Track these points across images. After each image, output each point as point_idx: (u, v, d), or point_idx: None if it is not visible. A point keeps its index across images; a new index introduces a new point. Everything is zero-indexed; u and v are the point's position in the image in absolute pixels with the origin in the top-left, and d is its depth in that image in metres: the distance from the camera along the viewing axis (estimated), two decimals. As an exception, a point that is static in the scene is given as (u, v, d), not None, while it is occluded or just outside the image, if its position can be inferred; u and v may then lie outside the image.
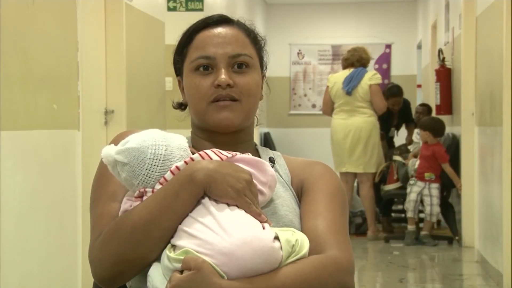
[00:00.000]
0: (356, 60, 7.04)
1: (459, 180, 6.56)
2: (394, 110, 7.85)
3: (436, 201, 6.63)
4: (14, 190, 3.29)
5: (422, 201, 6.73)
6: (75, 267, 3.90)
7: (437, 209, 6.65)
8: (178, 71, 1.66)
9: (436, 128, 6.77)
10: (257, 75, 1.62)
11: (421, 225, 6.96)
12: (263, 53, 1.67)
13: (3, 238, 3.16)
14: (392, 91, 7.83)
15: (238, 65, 1.59)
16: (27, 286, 3.41)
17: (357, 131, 6.92)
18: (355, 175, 7.09)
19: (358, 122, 6.93)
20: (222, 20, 1.63)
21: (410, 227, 6.79)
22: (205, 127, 1.62)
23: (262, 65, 1.66)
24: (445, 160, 6.60)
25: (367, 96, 6.90)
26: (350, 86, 6.92)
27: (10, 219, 3.23)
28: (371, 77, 6.93)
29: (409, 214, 6.74)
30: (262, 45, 1.67)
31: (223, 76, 1.56)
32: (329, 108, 7.16)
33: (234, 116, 1.58)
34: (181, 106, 1.70)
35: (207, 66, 1.58)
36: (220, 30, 1.61)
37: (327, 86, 7.16)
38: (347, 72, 7.04)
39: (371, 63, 11.92)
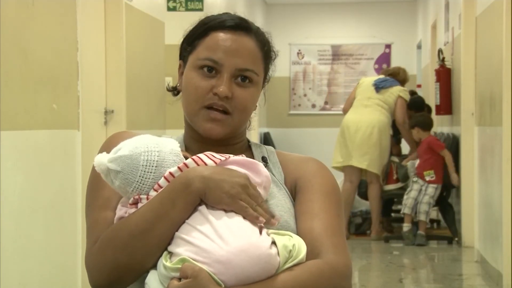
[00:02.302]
0: (389, 73, 7.36)
1: (454, 171, 6.58)
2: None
3: (426, 199, 6.64)
4: (14, 190, 3.29)
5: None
6: (75, 267, 3.89)
7: (425, 208, 6.64)
8: (182, 57, 1.63)
9: (423, 122, 6.87)
10: (257, 91, 1.60)
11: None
12: (271, 65, 1.64)
13: (3, 238, 3.16)
14: (416, 104, 7.73)
15: (242, 77, 1.56)
16: (27, 286, 3.41)
17: (369, 127, 7.01)
18: (359, 175, 7.10)
19: (372, 119, 7.04)
20: (241, 26, 1.59)
21: (406, 225, 6.80)
22: (194, 127, 1.60)
23: (265, 77, 1.64)
24: (442, 147, 6.66)
25: (390, 102, 7.09)
26: (382, 84, 7.15)
27: (10, 219, 3.23)
28: (402, 90, 7.19)
29: (406, 210, 6.76)
30: (273, 58, 1.64)
31: (223, 86, 1.53)
32: (350, 105, 7.34)
33: (222, 130, 1.56)
34: (175, 90, 1.68)
35: (212, 69, 1.56)
36: (236, 37, 1.57)
37: (358, 83, 7.45)
38: (381, 76, 7.39)
39: (371, 63, 11.99)
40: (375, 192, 7.08)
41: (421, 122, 6.89)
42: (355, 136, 7.02)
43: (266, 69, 1.63)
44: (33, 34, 3.48)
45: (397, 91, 7.12)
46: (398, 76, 7.28)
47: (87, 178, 1.62)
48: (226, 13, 1.64)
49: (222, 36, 1.57)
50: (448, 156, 6.63)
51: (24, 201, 3.38)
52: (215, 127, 1.55)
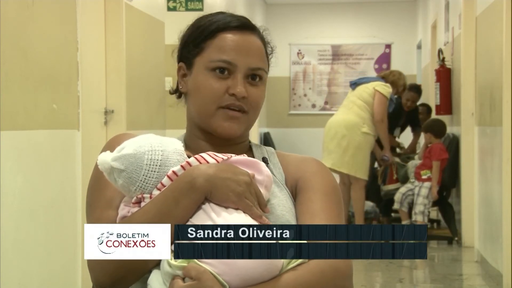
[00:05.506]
0: (381, 76, 7.15)
1: (435, 185, 6.57)
2: (406, 107, 7.62)
3: (420, 200, 6.63)
4: (14, 190, 3.29)
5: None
6: (75, 267, 3.89)
7: (420, 208, 6.63)
8: (185, 60, 1.63)
9: (436, 128, 6.81)
10: (265, 87, 1.63)
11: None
12: (269, 61, 1.67)
13: (3, 238, 3.16)
14: (410, 86, 7.59)
15: (252, 76, 1.58)
16: (27, 286, 3.41)
17: (338, 127, 6.79)
18: (345, 175, 7.03)
19: (341, 118, 6.80)
20: (246, 25, 1.61)
21: (404, 222, 6.79)
22: (206, 128, 1.61)
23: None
24: (437, 158, 6.59)
25: (365, 96, 6.77)
26: (356, 81, 6.99)
27: (10, 219, 3.23)
28: (378, 84, 6.82)
29: (395, 206, 6.77)
30: (271, 54, 1.67)
31: (240, 87, 1.56)
32: None
33: (238, 128, 1.59)
34: (176, 92, 1.68)
35: (224, 70, 1.57)
36: (244, 37, 1.59)
37: None
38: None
39: (371, 63, 11.99)
40: (354, 193, 6.89)
41: (435, 129, 6.82)
42: (327, 136, 6.91)
43: (269, 65, 1.66)
44: (33, 34, 3.48)
45: (372, 85, 6.80)
46: (387, 78, 7.03)
47: (87, 178, 1.61)
48: (221, 12, 1.65)
49: (231, 37, 1.58)
50: (435, 168, 6.59)
51: (24, 201, 3.38)
52: (233, 125, 1.58)
